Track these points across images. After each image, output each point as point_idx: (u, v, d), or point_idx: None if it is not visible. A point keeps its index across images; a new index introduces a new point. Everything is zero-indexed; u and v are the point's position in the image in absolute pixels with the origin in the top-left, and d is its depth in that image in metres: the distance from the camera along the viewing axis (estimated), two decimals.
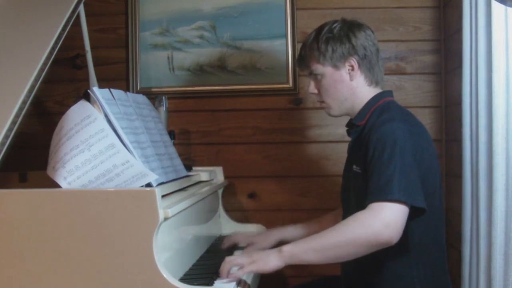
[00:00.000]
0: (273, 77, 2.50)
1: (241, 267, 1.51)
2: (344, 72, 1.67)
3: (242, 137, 2.53)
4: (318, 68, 1.69)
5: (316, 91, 1.73)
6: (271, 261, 1.49)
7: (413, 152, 1.50)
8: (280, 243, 1.92)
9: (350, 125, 1.76)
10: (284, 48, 2.49)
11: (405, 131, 1.51)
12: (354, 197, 1.64)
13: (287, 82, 2.50)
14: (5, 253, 1.36)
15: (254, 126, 2.53)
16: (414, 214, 1.47)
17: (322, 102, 1.74)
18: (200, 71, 2.52)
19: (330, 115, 1.75)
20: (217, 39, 2.51)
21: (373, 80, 1.69)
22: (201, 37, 2.52)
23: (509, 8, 1.67)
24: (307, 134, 2.52)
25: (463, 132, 1.99)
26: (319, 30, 1.70)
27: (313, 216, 2.06)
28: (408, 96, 2.48)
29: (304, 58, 1.73)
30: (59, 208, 1.35)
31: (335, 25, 1.68)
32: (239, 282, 1.53)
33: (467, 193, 1.98)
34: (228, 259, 1.55)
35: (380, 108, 1.65)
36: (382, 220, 1.41)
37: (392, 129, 1.51)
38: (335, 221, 1.92)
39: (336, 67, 1.67)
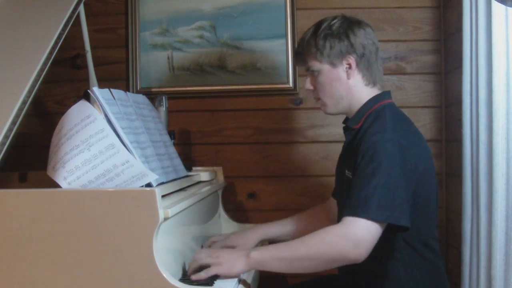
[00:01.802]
0: (273, 77, 2.50)
1: (208, 268, 1.49)
2: (341, 70, 1.63)
3: (242, 137, 2.53)
4: (315, 64, 1.65)
5: (312, 87, 1.69)
6: (237, 267, 1.49)
7: (402, 165, 1.46)
8: (263, 243, 1.92)
9: (346, 125, 1.73)
10: (284, 48, 2.48)
11: (394, 144, 1.47)
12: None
13: (287, 82, 2.49)
14: (5, 253, 1.36)
15: (254, 126, 2.53)
16: (396, 230, 1.45)
17: (318, 99, 1.70)
18: (200, 71, 2.52)
19: (325, 112, 1.71)
20: (217, 39, 2.51)
21: (371, 80, 1.65)
22: (201, 37, 2.52)
23: (509, 8, 1.67)
24: (307, 134, 2.52)
25: (463, 132, 1.99)
26: (318, 25, 1.66)
27: None
28: (408, 96, 2.48)
29: (301, 54, 1.69)
30: (59, 208, 1.35)
31: (334, 21, 1.64)
32: (239, 281, 1.53)
33: (467, 193, 1.98)
34: (197, 256, 1.54)
35: (376, 112, 1.61)
36: (352, 240, 1.40)
37: (382, 141, 1.48)
38: (326, 214, 1.93)
39: (333, 64, 1.63)
